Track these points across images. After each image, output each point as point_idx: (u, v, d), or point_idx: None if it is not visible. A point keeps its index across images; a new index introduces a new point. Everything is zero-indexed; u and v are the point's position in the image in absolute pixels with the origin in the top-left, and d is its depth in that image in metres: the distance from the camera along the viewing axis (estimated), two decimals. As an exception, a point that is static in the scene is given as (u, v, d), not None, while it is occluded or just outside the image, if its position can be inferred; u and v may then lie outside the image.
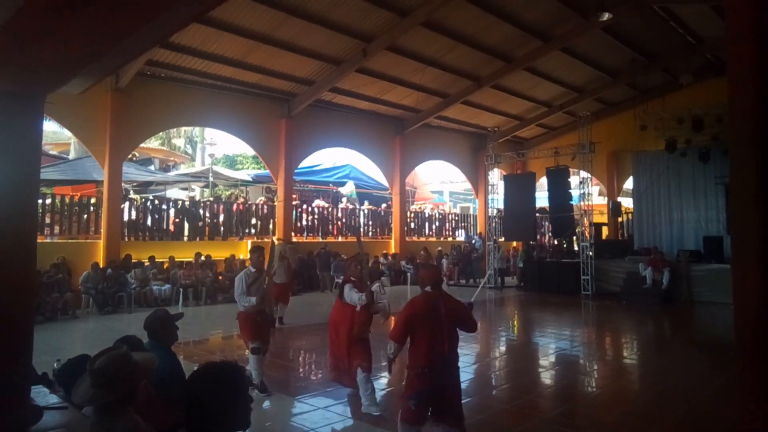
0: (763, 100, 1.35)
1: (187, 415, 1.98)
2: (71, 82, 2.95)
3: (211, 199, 18.82)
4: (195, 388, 2.00)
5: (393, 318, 5.47)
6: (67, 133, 17.55)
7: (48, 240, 13.04)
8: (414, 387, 4.09)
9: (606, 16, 13.54)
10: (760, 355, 1.36)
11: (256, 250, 6.69)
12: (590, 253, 15.95)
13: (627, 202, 22.69)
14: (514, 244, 21.88)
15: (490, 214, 19.01)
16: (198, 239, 15.35)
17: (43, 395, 3.11)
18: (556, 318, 12.49)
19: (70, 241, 13.32)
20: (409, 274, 18.41)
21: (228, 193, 21.23)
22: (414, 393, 4.05)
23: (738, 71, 1.42)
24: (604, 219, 21.87)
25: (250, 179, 20.65)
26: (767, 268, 1.36)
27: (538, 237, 21.49)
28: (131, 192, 16.87)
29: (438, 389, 4.06)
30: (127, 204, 14.37)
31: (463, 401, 5.87)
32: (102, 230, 13.36)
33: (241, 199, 18.53)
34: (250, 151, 21.54)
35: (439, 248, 20.62)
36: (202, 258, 14.46)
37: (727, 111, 1.43)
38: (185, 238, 15.21)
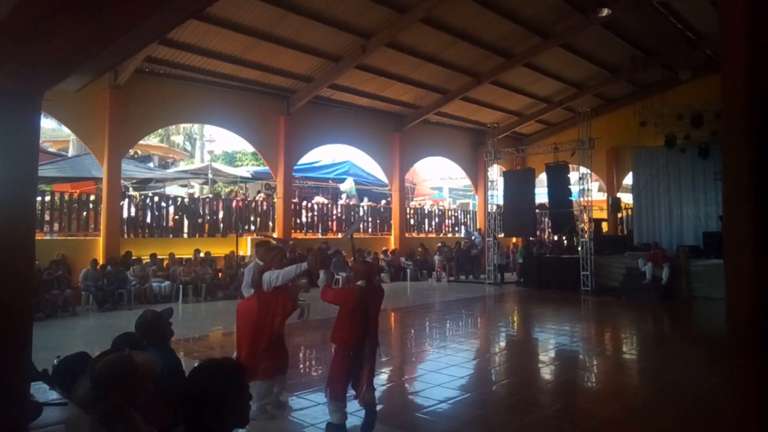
0: (757, 96, 1.35)
1: (186, 412, 1.99)
2: (69, 79, 2.89)
3: (211, 195, 18.84)
4: (195, 385, 2.01)
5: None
6: (66, 131, 17.59)
7: (48, 237, 13.08)
8: (343, 367, 4.72)
9: (605, 12, 13.59)
10: (753, 350, 1.36)
11: (262, 244, 6.84)
12: (590, 248, 15.95)
13: (627, 198, 22.73)
14: (514, 240, 21.91)
15: (489, 210, 19.03)
16: (198, 236, 15.37)
17: (42, 391, 3.10)
18: (555, 314, 12.53)
19: (69, 238, 13.35)
20: (408, 270, 18.49)
21: (227, 190, 21.25)
22: (345, 371, 4.70)
23: (731, 66, 1.41)
24: (604, 215, 21.92)
25: (250, 176, 20.67)
26: (759, 263, 1.35)
27: (538, 233, 21.51)
28: (130, 189, 16.89)
29: (358, 368, 4.70)
30: (126, 201, 14.38)
31: (462, 396, 5.99)
32: (101, 227, 13.39)
33: (241, 196, 18.55)
34: (250, 148, 21.57)
35: (439, 244, 20.66)
36: (202, 255, 14.49)
37: (722, 108, 1.45)
38: (185, 235, 15.26)
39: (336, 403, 4.77)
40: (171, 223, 15.18)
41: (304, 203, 18.64)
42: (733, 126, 1.42)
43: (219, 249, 15.22)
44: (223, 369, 2.06)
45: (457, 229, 23.34)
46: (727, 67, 1.42)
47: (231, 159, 28.85)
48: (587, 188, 16.85)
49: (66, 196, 13.86)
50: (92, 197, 14.23)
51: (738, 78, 1.40)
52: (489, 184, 19.27)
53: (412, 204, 24.19)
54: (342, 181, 21.76)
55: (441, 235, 22.23)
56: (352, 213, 19.62)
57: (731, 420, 1.38)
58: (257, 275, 6.23)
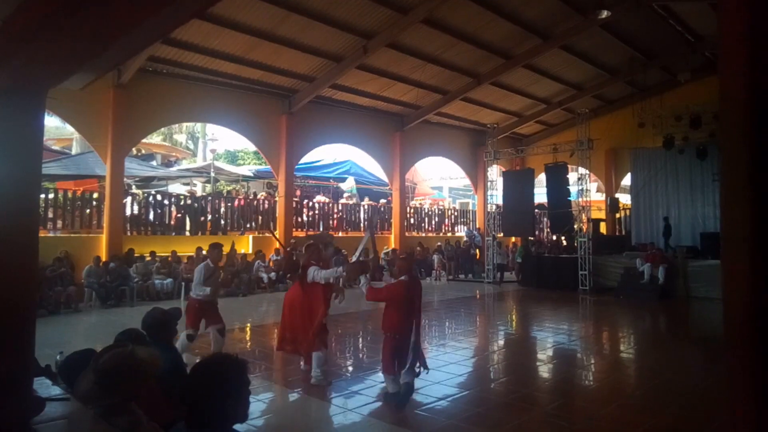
0: (755, 97, 1.36)
1: (188, 408, 2.00)
2: (73, 77, 2.91)
3: (212, 194, 18.92)
4: (197, 381, 2.02)
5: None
6: (69, 129, 17.65)
7: (51, 234, 13.14)
8: (391, 347, 5.48)
9: (605, 14, 13.69)
10: (748, 349, 1.36)
11: (216, 246, 7.26)
12: (588, 248, 16.04)
13: (625, 199, 22.82)
14: (513, 239, 22.01)
15: (489, 210, 19.13)
16: (200, 234, 15.47)
17: (45, 387, 3.13)
18: (553, 313, 12.58)
19: (72, 235, 13.43)
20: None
21: (229, 188, 21.34)
22: (392, 351, 5.47)
23: (730, 68, 1.41)
24: (602, 215, 22.00)
25: (252, 175, 20.74)
26: (756, 263, 1.35)
27: (537, 233, 21.60)
28: (133, 187, 16.95)
29: (404, 347, 5.45)
30: (129, 199, 14.46)
31: (461, 394, 6.07)
32: (104, 225, 13.45)
33: (242, 195, 18.63)
34: (252, 147, 21.62)
35: (438, 243, 20.76)
36: (203, 252, 14.53)
37: (719, 109, 1.48)
38: (187, 233, 15.35)
39: (388, 376, 5.55)
40: (173, 221, 15.27)
41: (306, 202, 18.75)
42: (731, 127, 1.42)
43: (221, 247, 15.29)
44: (225, 365, 2.07)
45: (457, 228, 23.43)
46: (725, 68, 1.42)
47: (233, 158, 28.88)
48: (586, 189, 16.94)
49: (69, 194, 13.91)
50: (95, 195, 14.29)
51: (736, 80, 1.40)
52: (488, 184, 19.37)
53: (412, 203, 24.27)
54: (343, 180, 21.82)
55: (440, 234, 22.33)
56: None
57: (727, 417, 1.39)
58: (208, 273, 6.85)
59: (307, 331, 6.21)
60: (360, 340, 9.70)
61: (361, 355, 8.66)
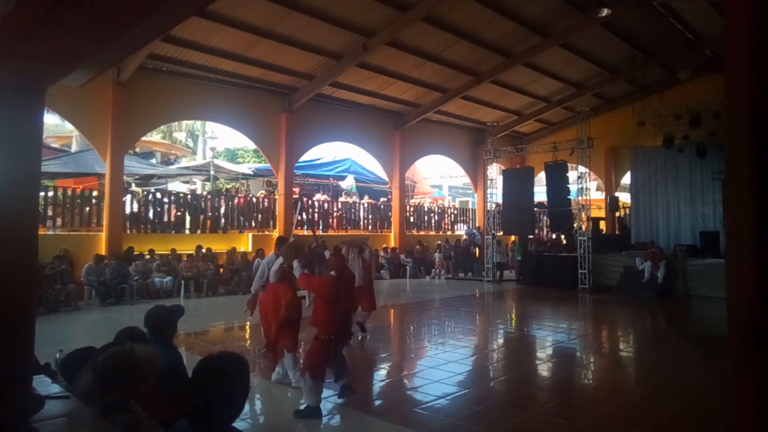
0: (760, 94, 1.37)
1: (191, 405, 2.02)
2: (72, 74, 2.93)
3: (212, 192, 18.91)
4: (202, 380, 2.05)
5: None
6: (69, 126, 17.61)
7: (50, 232, 13.12)
8: (325, 350, 5.21)
9: (605, 12, 13.65)
10: (752, 349, 1.36)
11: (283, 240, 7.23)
12: (588, 247, 16.04)
13: (625, 197, 22.82)
14: (513, 238, 22.00)
15: (488, 209, 19.12)
16: (199, 232, 15.46)
17: (45, 385, 3.14)
18: (553, 311, 12.59)
19: (72, 233, 13.40)
20: (408, 268, 18.59)
21: (229, 186, 21.33)
22: (327, 354, 5.21)
23: (734, 65, 1.42)
24: (602, 213, 21.99)
25: (251, 173, 20.72)
26: (760, 262, 1.36)
27: (537, 231, 21.60)
28: (133, 185, 16.95)
29: (337, 349, 5.30)
30: (128, 197, 14.46)
31: (460, 392, 6.04)
32: (104, 223, 13.44)
33: (243, 193, 18.62)
34: (251, 145, 21.59)
35: (438, 242, 20.75)
36: (203, 250, 14.58)
37: (724, 107, 1.46)
38: (187, 231, 15.35)
39: (318, 384, 5.21)
40: (173, 219, 15.26)
41: (305, 200, 18.73)
42: (735, 124, 1.42)
43: (220, 245, 15.32)
44: (229, 362, 2.11)
45: (457, 227, 23.43)
46: (730, 65, 1.42)
47: (233, 156, 28.78)
48: (586, 187, 16.93)
49: (69, 192, 13.90)
50: (95, 193, 14.27)
51: (741, 76, 1.40)
52: (488, 182, 19.36)
53: (412, 202, 24.26)
54: (343, 178, 21.82)
55: (440, 232, 22.32)
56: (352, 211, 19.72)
57: (732, 415, 1.38)
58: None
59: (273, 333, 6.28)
60: (355, 339, 9.68)
61: (356, 354, 8.64)
